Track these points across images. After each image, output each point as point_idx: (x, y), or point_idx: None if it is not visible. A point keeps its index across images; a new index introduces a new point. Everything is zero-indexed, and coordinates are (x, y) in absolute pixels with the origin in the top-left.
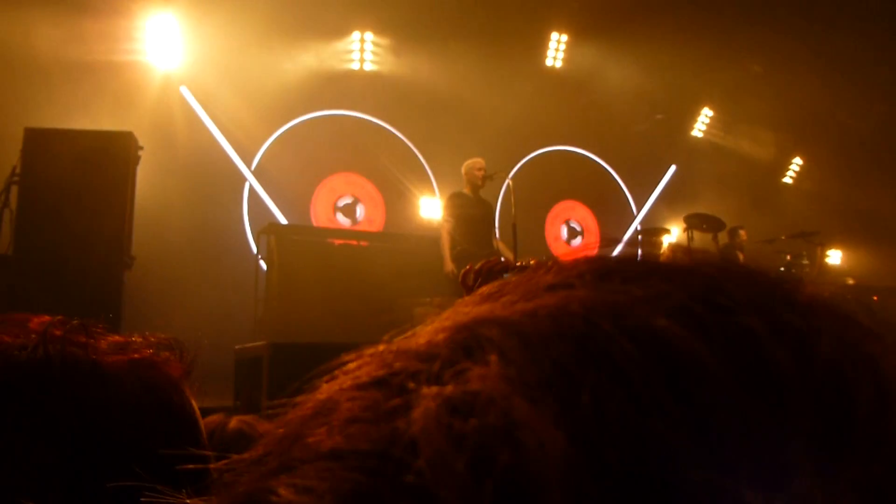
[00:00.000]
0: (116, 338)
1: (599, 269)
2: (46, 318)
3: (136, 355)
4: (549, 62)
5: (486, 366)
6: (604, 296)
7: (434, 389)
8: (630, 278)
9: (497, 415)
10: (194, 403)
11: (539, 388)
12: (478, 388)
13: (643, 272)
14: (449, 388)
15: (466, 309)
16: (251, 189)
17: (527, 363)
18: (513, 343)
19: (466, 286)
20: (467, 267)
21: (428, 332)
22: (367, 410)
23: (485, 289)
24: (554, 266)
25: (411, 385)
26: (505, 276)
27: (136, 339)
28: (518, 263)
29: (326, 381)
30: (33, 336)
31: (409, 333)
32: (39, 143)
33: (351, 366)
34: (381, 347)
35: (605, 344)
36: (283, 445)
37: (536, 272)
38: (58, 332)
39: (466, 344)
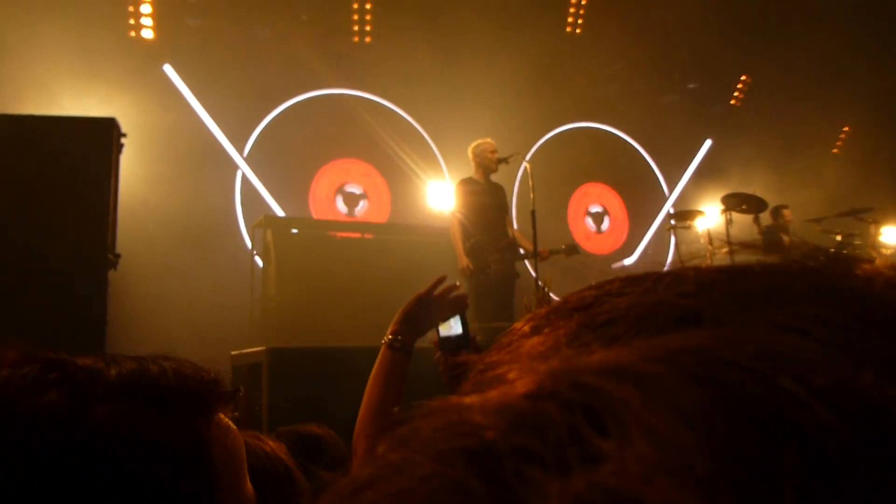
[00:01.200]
0: (130, 364)
1: (737, 287)
2: (36, 358)
3: (133, 407)
4: (568, 29)
5: (626, 446)
6: (768, 338)
7: (558, 484)
8: (782, 302)
9: None
10: (233, 451)
11: (715, 486)
12: (626, 487)
13: (797, 292)
14: (579, 483)
15: (561, 345)
16: (244, 178)
17: (687, 445)
18: (660, 412)
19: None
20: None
21: (521, 377)
22: (456, 495)
23: (572, 298)
24: (668, 278)
25: (519, 469)
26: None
27: (153, 367)
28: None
29: (388, 444)
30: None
31: (490, 373)
32: (11, 130)
33: (421, 424)
34: (457, 400)
35: (797, 415)
36: None
37: (646, 285)
38: (53, 376)
39: (588, 406)
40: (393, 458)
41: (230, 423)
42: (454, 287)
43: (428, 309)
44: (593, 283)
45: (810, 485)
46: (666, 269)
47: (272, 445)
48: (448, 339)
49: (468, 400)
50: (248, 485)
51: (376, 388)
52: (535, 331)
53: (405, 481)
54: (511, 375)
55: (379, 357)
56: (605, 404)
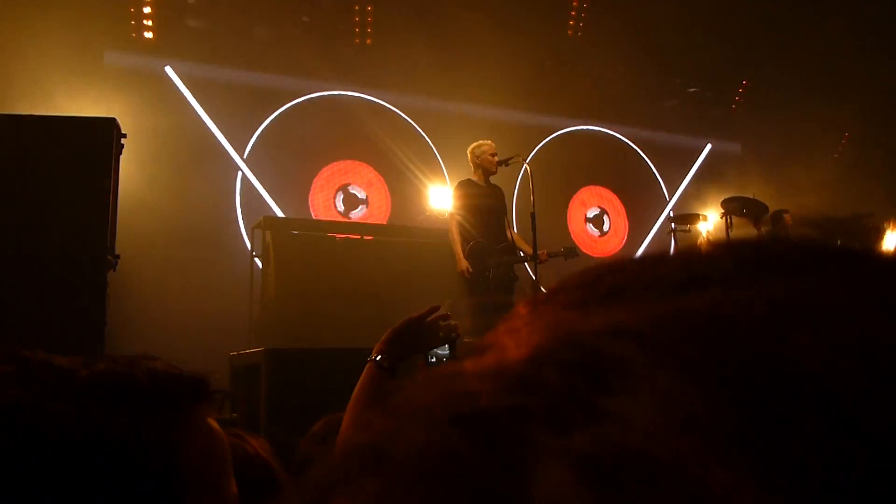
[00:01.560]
0: (102, 365)
1: (747, 255)
2: (5, 355)
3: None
4: (569, 31)
5: (631, 402)
6: (778, 295)
7: (557, 441)
8: (796, 268)
9: (674, 484)
10: (211, 452)
11: (728, 440)
12: (632, 442)
13: (810, 259)
14: (581, 441)
15: (561, 313)
16: (244, 179)
17: (697, 400)
18: (667, 369)
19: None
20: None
21: (514, 343)
22: (447, 463)
23: (569, 281)
24: (671, 258)
25: (514, 431)
26: None
27: (126, 368)
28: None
29: (376, 414)
30: None
31: (481, 345)
32: (10, 130)
33: (412, 392)
34: (451, 368)
35: (814, 368)
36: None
37: (644, 264)
38: (19, 373)
39: (588, 367)
40: (384, 427)
41: (212, 424)
42: (447, 316)
43: (417, 334)
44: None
45: (829, 437)
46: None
47: (255, 444)
48: (433, 365)
49: (462, 367)
50: (233, 488)
51: (359, 405)
52: (535, 306)
53: (396, 450)
54: (508, 345)
55: (364, 374)
56: (606, 363)
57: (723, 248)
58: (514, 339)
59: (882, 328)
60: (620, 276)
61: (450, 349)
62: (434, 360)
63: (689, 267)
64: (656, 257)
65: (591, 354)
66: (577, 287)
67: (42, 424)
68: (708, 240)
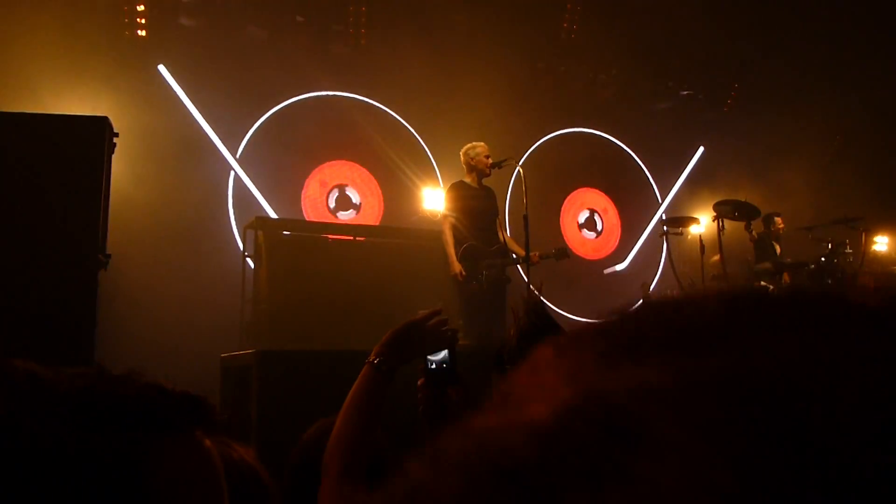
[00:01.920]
0: (84, 381)
1: (763, 312)
2: None
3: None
4: (563, 34)
5: (658, 463)
6: (794, 365)
7: (590, 499)
8: (809, 326)
9: None
10: (192, 477)
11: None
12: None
13: (823, 317)
14: (614, 501)
15: (585, 365)
16: (236, 179)
17: (718, 464)
18: (689, 430)
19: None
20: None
21: (549, 398)
22: None
23: (596, 323)
24: (692, 306)
25: (550, 487)
26: None
27: (107, 386)
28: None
29: (416, 461)
30: None
31: (516, 395)
32: (1, 128)
33: (450, 444)
34: (484, 421)
35: (823, 440)
36: None
37: (660, 314)
38: None
39: (618, 426)
40: (422, 477)
41: (205, 446)
42: (447, 321)
43: (417, 337)
44: (615, 309)
45: None
46: (686, 292)
47: (240, 451)
48: (435, 372)
49: (496, 421)
50: None
51: (354, 409)
52: (560, 353)
53: (429, 492)
54: (538, 396)
55: (361, 376)
56: (635, 423)
57: (741, 304)
58: (542, 391)
59: (890, 392)
60: (639, 325)
61: (449, 354)
62: (433, 365)
63: (703, 321)
64: (671, 306)
65: (621, 414)
66: (596, 336)
67: (8, 436)
68: (716, 277)
